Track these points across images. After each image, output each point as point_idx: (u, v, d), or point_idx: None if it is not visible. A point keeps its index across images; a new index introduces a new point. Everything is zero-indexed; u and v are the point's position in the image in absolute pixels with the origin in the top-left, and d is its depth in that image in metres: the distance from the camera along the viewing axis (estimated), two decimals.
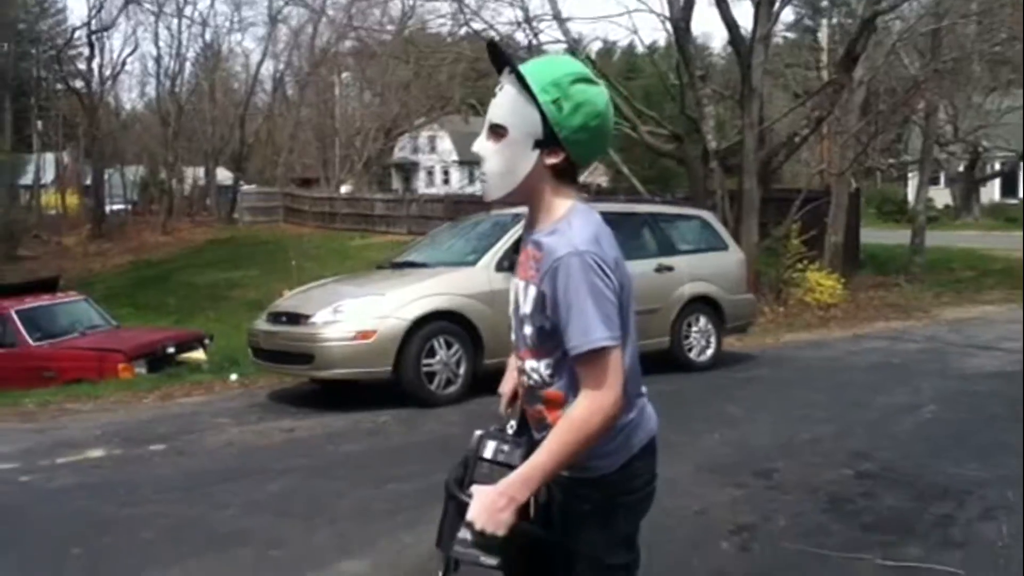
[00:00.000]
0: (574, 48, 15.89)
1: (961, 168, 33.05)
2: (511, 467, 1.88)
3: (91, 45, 36.28)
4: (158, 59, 41.10)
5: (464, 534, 1.82)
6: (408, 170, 56.31)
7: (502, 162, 1.91)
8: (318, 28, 37.80)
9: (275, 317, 7.60)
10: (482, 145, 1.95)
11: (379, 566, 3.81)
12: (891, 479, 4.92)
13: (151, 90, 45.40)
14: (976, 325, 11.73)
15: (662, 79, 18.63)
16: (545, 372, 1.93)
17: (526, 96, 1.87)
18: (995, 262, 19.01)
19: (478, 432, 2.00)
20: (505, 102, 1.91)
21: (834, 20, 24.62)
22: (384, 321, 6.97)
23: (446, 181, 54.21)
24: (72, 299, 12.56)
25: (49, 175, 41.40)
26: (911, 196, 29.31)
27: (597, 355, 1.80)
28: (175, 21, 38.16)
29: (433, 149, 55.06)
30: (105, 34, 37.09)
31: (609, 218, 7.29)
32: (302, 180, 41.46)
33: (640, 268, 8.10)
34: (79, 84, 37.50)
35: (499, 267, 7.29)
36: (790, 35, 33.88)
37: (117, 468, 5.58)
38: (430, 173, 56.61)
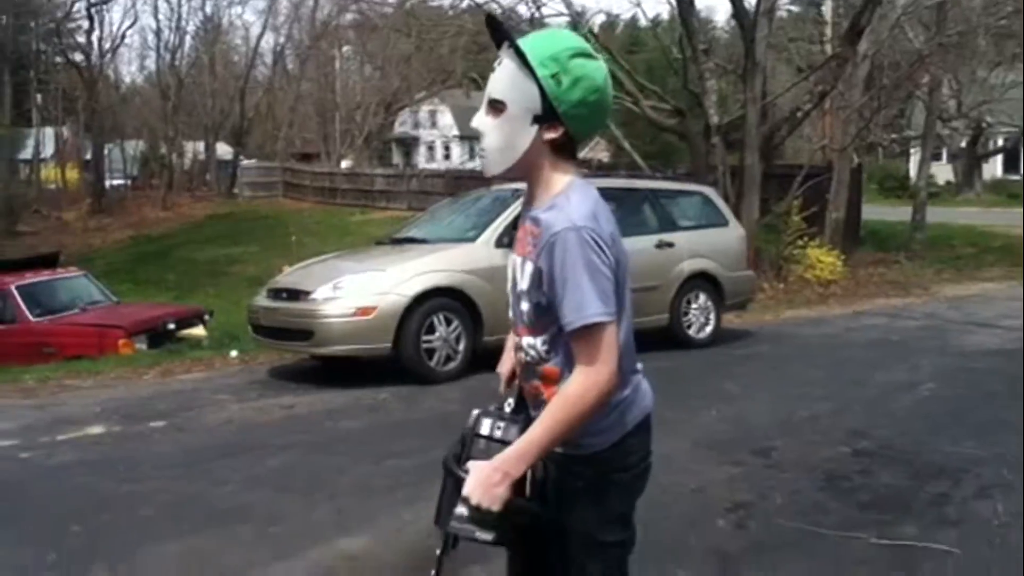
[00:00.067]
0: (576, 21, 15.77)
1: (963, 144, 32.90)
2: (507, 443, 1.89)
3: (90, 18, 36.11)
4: (158, 32, 41.07)
5: (461, 509, 1.84)
6: (409, 145, 56.11)
7: (501, 137, 1.91)
8: (319, 1, 37.53)
9: (275, 293, 7.60)
10: (481, 120, 1.95)
11: (378, 542, 3.83)
12: (888, 457, 4.93)
13: (151, 63, 45.33)
14: (976, 302, 11.74)
15: (665, 53, 18.50)
16: (541, 348, 1.93)
17: (525, 71, 1.87)
18: (996, 239, 18.98)
19: (476, 411, 2.01)
20: (504, 77, 1.91)
21: None
22: (384, 297, 6.97)
23: (447, 156, 54.01)
24: (72, 275, 12.57)
25: (49, 149, 41.26)
26: (913, 172, 29.19)
27: (592, 330, 1.80)
28: None
29: (434, 124, 54.84)
30: (104, 7, 37.03)
31: (610, 194, 7.27)
32: (302, 155, 41.36)
33: (640, 244, 8.09)
34: (78, 57, 37.32)
35: (499, 243, 7.27)
36: (794, 8, 33.55)
37: (117, 444, 5.60)
38: (431, 148, 56.40)
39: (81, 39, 37.62)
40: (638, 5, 64.73)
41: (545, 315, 1.89)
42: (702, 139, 14.39)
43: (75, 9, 37.81)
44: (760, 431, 5.51)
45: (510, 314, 2.04)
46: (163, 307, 12.74)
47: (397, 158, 53.91)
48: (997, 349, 8.24)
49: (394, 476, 4.66)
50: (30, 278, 11.60)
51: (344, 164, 35.62)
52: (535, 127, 1.88)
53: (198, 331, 10.84)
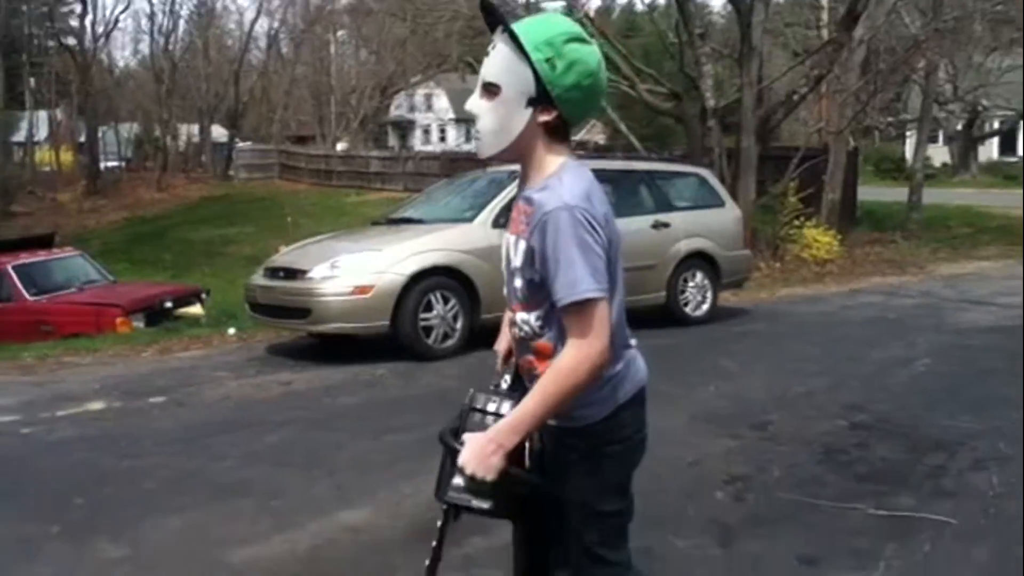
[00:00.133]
0: (572, 5, 15.71)
1: (959, 126, 32.91)
2: (501, 417, 1.93)
3: (83, 2, 35.85)
4: (151, 16, 40.85)
5: (457, 480, 1.88)
6: (404, 128, 55.93)
7: (496, 120, 1.94)
8: None
9: (272, 272, 7.60)
10: (475, 103, 1.97)
11: (378, 515, 3.86)
12: (885, 431, 4.97)
13: (144, 47, 45.01)
14: (971, 281, 11.78)
15: (661, 37, 18.45)
16: (535, 324, 1.96)
17: (519, 55, 1.89)
18: (992, 219, 19.03)
19: (473, 389, 2.06)
20: (498, 60, 1.93)
21: None
22: (381, 276, 6.98)
23: (442, 139, 53.87)
24: (68, 255, 12.56)
25: (43, 132, 41.11)
26: (909, 154, 29.20)
27: (583, 306, 1.83)
28: None
29: (429, 107, 54.64)
30: None
31: (607, 175, 7.29)
32: (297, 138, 41.23)
33: (637, 224, 8.12)
34: (71, 41, 37.07)
35: (495, 223, 7.28)
36: None
37: (117, 420, 5.61)
38: (426, 131, 56.23)
39: (74, 23, 37.43)
40: None
41: (538, 291, 1.92)
42: (698, 122, 14.39)
43: None
44: (757, 406, 5.54)
45: (505, 291, 2.07)
46: (160, 286, 12.75)
47: (393, 141, 53.76)
48: (992, 326, 8.28)
49: (393, 451, 4.68)
50: (26, 258, 11.59)
51: (340, 147, 35.53)
52: (529, 110, 1.91)
53: (195, 309, 10.85)
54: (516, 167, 2.02)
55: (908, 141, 32.20)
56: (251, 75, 40.35)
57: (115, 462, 4.69)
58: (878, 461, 4.49)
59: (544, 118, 1.91)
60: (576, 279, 1.81)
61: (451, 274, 7.17)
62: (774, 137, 18.06)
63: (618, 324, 1.95)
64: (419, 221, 8.15)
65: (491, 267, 6.93)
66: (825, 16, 19.75)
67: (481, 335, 6.53)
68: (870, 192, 21.11)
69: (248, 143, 38.67)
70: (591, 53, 1.91)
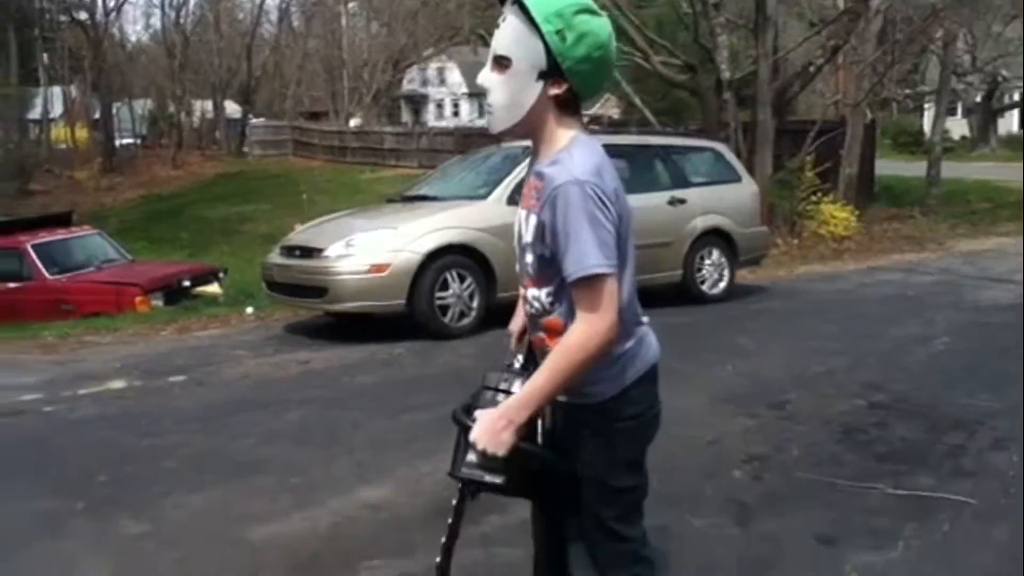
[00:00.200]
0: None
1: (979, 99, 32.50)
2: (512, 394, 1.95)
3: None
4: None
5: (470, 456, 1.92)
6: (417, 103, 55.74)
7: (507, 93, 1.94)
8: None
9: (288, 251, 7.62)
10: (487, 77, 1.97)
11: (398, 493, 3.89)
12: (904, 410, 4.95)
13: (156, 22, 44.97)
14: (991, 257, 11.68)
15: (675, 8, 18.27)
16: (546, 300, 1.97)
17: (529, 27, 1.89)
18: (1011, 194, 18.80)
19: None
20: (509, 33, 1.93)
21: None
22: (397, 255, 6.98)
23: (456, 114, 53.68)
24: (87, 233, 12.64)
25: (58, 109, 41.18)
26: (927, 127, 28.89)
27: (592, 281, 1.83)
28: None
29: (442, 81, 54.40)
30: None
31: (621, 151, 7.26)
32: (311, 113, 41.18)
33: (652, 201, 8.08)
34: (83, 16, 37.02)
35: (511, 200, 7.25)
36: None
37: (138, 399, 5.67)
38: (439, 106, 56.02)
39: None
40: None
41: (549, 267, 1.92)
42: (714, 95, 14.26)
43: None
44: (775, 385, 5.53)
45: (517, 268, 2.08)
46: (178, 265, 12.81)
47: (406, 116, 53.60)
48: (1012, 303, 8.21)
49: (411, 430, 4.70)
50: (45, 237, 11.66)
51: (353, 122, 35.46)
52: (540, 83, 1.91)
53: (213, 288, 10.91)
54: (530, 143, 2.02)
55: (926, 114, 31.83)
56: (263, 49, 40.24)
57: (136, 440, 4.74)
58: (897, 440, 4.48)
59: (555, 91, 1.91)
60: (585, 254, 1.82)
61: (467, 252, 7.17)
62: (790, 110, 17.92)
63: (629, 300, 1.95)
64: (434, 198, 8.14)
65: (507, 245, 6.92)
66: None
67: (497, 313, 6.53)
68: (888, 166, 20.92)
69: (261, 119, 38.66)
70: (601, 25, 1.92)
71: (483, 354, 6.14)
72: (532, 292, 2.00)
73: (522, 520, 2.38)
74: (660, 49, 15.55)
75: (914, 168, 20.33)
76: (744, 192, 9.15)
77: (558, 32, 1.87)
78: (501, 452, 1.86)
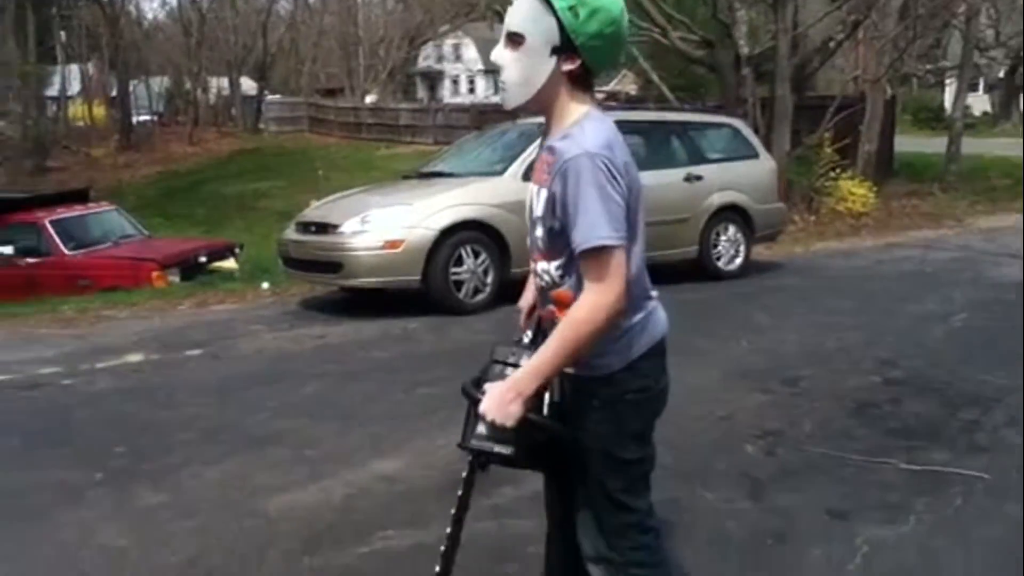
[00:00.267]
0: None
1: (1001, 74, 32.06)
2: (520, 367, 1.96)
3: None
4: None
5: (480, 428, 1.94)
6: (433, 79, 55.57)
7: (521, 70, 1.96)
8: None
9: (304, 227, 7.64)
10: (500, 54, 1.99)
11: (411, 465, 3.92)
12: (918, 386, 4.94)
13: None
14: (1011, 234, 11.53)
15: None
16: (555, 273, 1.99)
17: (543, 3, 1.91)
18: None
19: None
20: (522, 9, 1.95)
21: None
22: (412, 231, 6.99)
23: (471, 90, 53.46)
24: (104, 209, 12.71)
25: (75, 87, 41.30)
26: (948, 103, 28.56)
27: (600, 253, 1.84)
28: None
29: (458, 57, 54.19)
30: None
31: (637, 127, 7.23)
32: (326, 90, 41.13)
33: (669, 177, 8.05)
34: None
35: (526, 176, 7.17)
36: None
37: (155, 372, 5.73)
38: (455, 82, 55.83)
39: None
40: None
41: (558, 239, 1.93)
42: (732, 71, 14.12)
43: None
44: (790, 361, 5.52)
45: (528, 242, 2.09)
46: (194, 241, 12.87)
47: (421, 92, 53.48)
48: None
49: (425, 403, 4.73)
50: (63, 213, 11.75)
51: (368, 99, 35.41)
52: (553, 59, 1.93)
53: (229, 264, 10.97)
54: (543, 119, 2.03)
55: (947, 89, 31.48)
56: (279, 26, 40.15)
57: (153, 412, 4.80)
58: (911, 416, 4.47)
59: (568, 67, 1.93)
60: (594, 225, 1.83)
61: (482, 228, 7.16)
62: (809, 86, 17.71)
63: (638, 274, 1.97)
64: (449, 175, 8.13)
65: (521, 221, 6.81)
66: None
67: (512, 289, 6.51)
68: (907, 142, 20.67)
69: (277, 96, 38.66)
70: (613, 1, 1.93)
71: (497, 329, 6.14)
72: (542, 265, 2.02)
73: (535, 492, 2.40)
74: (678, 24, 15.37)
75: (934, 144, 20.08)
76: (761, 168, 9.09)
77: (571, 8, 1.88)
78: (510, 423, 1.88)
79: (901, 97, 25.53)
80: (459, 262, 7.05)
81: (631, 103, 19.52)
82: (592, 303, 1.86)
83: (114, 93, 37.91)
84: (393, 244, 6.93)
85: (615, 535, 2.06)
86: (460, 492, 2.04)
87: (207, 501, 3.61)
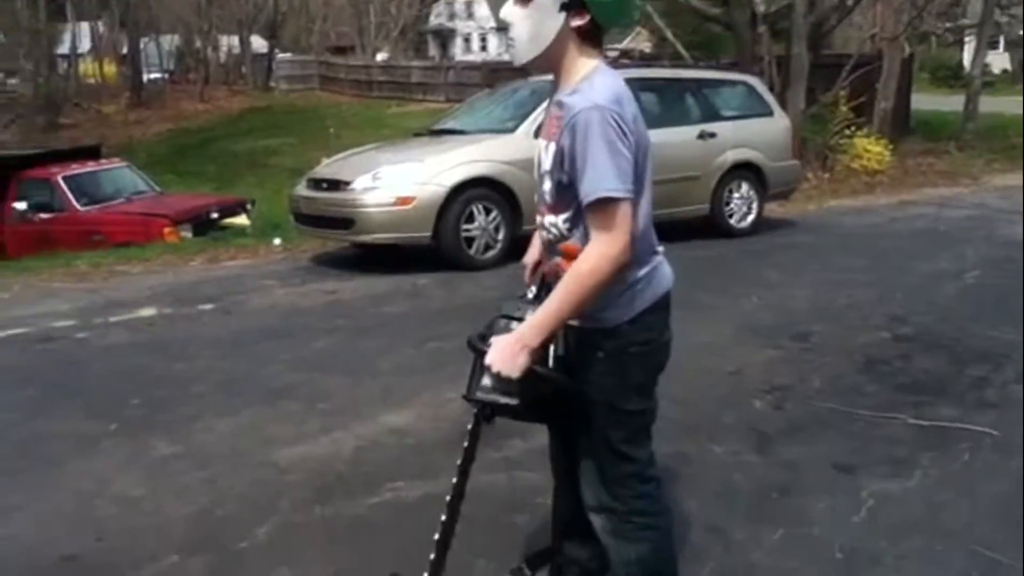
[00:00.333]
0: None
1: (1022, 31, 31.46)
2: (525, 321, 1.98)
3: None
4: None
5: (486, 380, 1.96)
6: (445, 37, 55.04)
7: (530, 26, 1.96)
8: None
9: (315, 183, 7.64)
10: (510, 10, 2.00)
11: (421, 418, 3.95)
12: (928, 342, 4.93)
13: None
14: None
15: None
16: (563, 226, 2.00)
17: None
18: None
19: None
20: None
21: None
22: (423, 187, 6.98)
23: (483, 48, 52.97)
24: (116, 165, 12.75)
25: (86, 44, 41.12)
26: (967, 61, 28.12)
27: (607, 204, 1.85)
28: None
29: (470, 15, 53.63)
30: None
31: (651, 84, 7.16)
32: (337, 48, 40.81)
33: (682, 135, 7.99)
34: None
35: (537, 134, 7.14)
36: None
37: (168, 326, 5.77)
38: (467, 40, 55.29)
39: None
40: None
41: (566, 192, 1.94)
42: (748, 28, 13.91)
43: None
44: (800, 317, 5.51)
45: (535, 197, 2.09)
46: (206, 197, 12.91)
47: (433, 50, 53.00)
48: None
49: (435, 358, 4.76)
50: (75, 169, 11.79)
51: (380, 56, 35.14)
52: (562, 15, 1.93)
53: (241, 220, 11.00)
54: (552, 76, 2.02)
55: (967, 47, 30.92)
56: None
57: (167, 365, 4.84)
58: (920, 372, 4.47)
59: (577, 22, 1.93)
60: (602, 177, 1.84)
61: (493, 185, 7.15)
62: (826, 44, 17.46)
63: (644, 229, 1.98)
64: (461, 132, 8.09)
65: (532, 178, 6.88)
66: None
67: (522, 246, 6.52)
68: (925, 100, 20.42)
69: (288, 54, 38.39)
70: None
71: (507, 285, 6.13)
72: (549, 219, 2.02)
73: (543, 445, 2.43)
74: None
75: (952, 102, 19.81)
76: (776, 126, 9.01)
77: None
78: (515, 375, 1.90)
79: (919, 55, 25.16)
80: (470, 219, 7.04)
81: (645, 61, 19.32)
82: (598, 254, 1.86)
83: (125, 51, 37.73)
84: (404, 200, 6.93)
85: (616, 484, 2.09)
86: (466, 444, 2.07)
87: (220, 452, 3.65)
